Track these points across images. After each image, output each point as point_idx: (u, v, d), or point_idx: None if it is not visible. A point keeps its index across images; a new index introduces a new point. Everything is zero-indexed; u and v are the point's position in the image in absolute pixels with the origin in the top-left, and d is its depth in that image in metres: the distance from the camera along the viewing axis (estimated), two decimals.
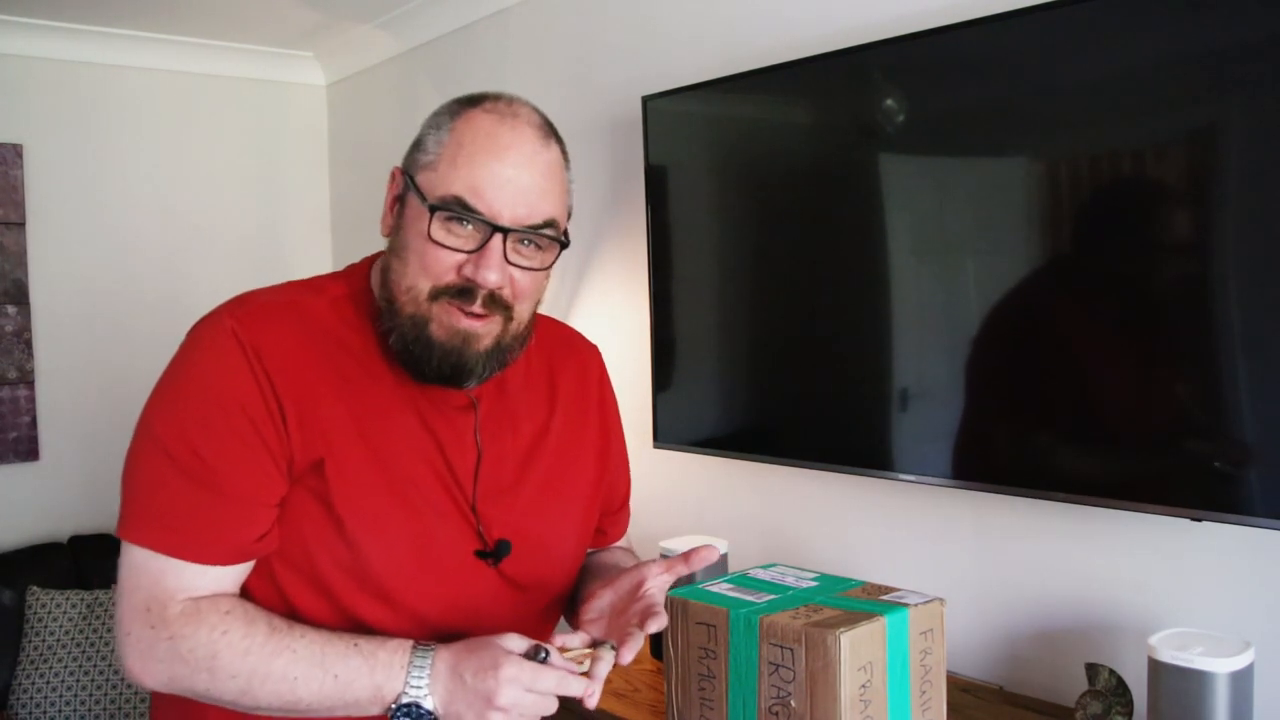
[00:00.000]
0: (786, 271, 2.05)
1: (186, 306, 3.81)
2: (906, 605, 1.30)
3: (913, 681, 1.30)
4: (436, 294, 1.03)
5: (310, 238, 3.84)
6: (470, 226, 1.02)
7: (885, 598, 1.34)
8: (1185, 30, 1.46)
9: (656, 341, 2.32)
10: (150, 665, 0.97)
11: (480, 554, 1.09)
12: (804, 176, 2.01)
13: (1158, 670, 1.41)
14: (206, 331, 1.04)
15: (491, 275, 1.02)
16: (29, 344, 3.23)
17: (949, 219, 1.79)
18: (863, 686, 1.24)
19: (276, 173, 3.76)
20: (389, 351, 1.07)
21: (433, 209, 1.02)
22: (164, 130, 3.50)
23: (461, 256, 1.02)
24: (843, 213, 1.93)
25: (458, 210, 1.02)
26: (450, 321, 1.04)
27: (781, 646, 1.26)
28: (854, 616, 1.26)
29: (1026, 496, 1.70)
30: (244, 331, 1.02)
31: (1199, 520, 1.48)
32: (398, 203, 1.08)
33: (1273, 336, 1.40)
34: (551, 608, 1.21)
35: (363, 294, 1.11)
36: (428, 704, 0.97)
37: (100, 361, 3.37)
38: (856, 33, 1.96)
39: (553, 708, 1.00)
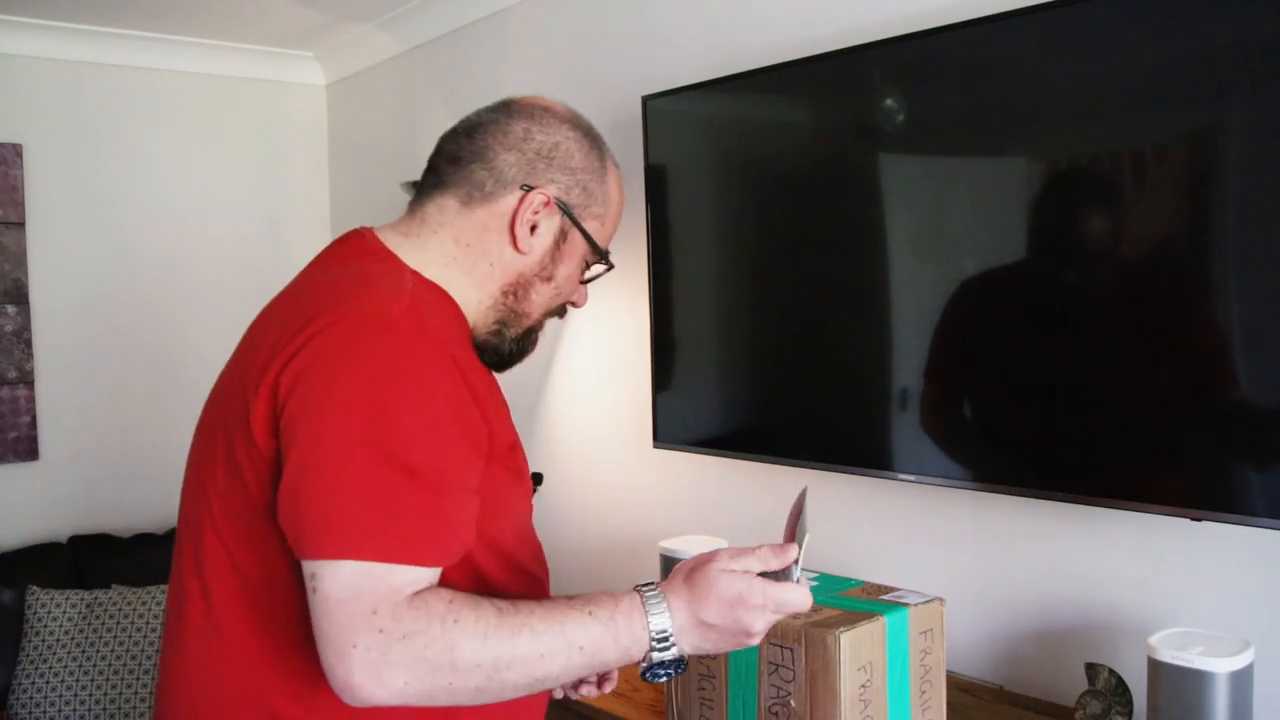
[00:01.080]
0: (786, 271, 2.05)
1: (186, 306, 3.84)
2: (906, 605, 1.30)
3: (912, 681, 1.31)
4: (553, 312, 1.21)
5: (310, 237, 3.83)
6: None
7: (885, 598, 1.34)
8: (1185, 30, 1.46)
9: (656, 341, 2.32)
10: (385, 673, 0.89)
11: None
12: (804, 176, 2.01)
13: (1158, 670, 1.41)
14: (386, 322, 0.98)
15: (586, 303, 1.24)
16: (29, 344, 3.23)
17: (949, 219, 1.79)
18: (863, 686, 1.24)
19: (276, 172, 3.76)
20: (469, 337, 1.13)
21: (608, 262, 1.19)
22: (164, 130, 3.51)
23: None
24: (842, 213, 1.93)
25: (607, 264, 1.20)
26: (537, 338, 1.22)
27: (781, 646, 1.26)
28: (854, 616, 1.26)
29: (1026, 496, 1.70)
30: (424, 320, 1.00)
31: (1199, 520, 1.48)
32: (549, 230, 1.14)
33: (1273, 336, 1.40)
34: None
35: (420, 278, 1.10)
36: (675, 654, 0.97)
37: (100, 361, 3.37)
38: (856, 33, 1.96)
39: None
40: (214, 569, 1.04)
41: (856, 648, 1.23)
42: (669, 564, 2.14)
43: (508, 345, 1.17)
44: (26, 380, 3.23)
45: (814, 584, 1.41)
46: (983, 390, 1.78)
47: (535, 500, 1.31)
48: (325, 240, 4.28)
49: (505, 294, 1.15)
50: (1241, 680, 1.37)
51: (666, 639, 0.96)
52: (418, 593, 0.93)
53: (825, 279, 1.98)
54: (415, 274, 1.09)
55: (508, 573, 1.10)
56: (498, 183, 1.12)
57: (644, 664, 0.98)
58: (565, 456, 2.75)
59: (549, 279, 1.16)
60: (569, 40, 2.72)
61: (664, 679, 0.98)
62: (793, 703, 1.26)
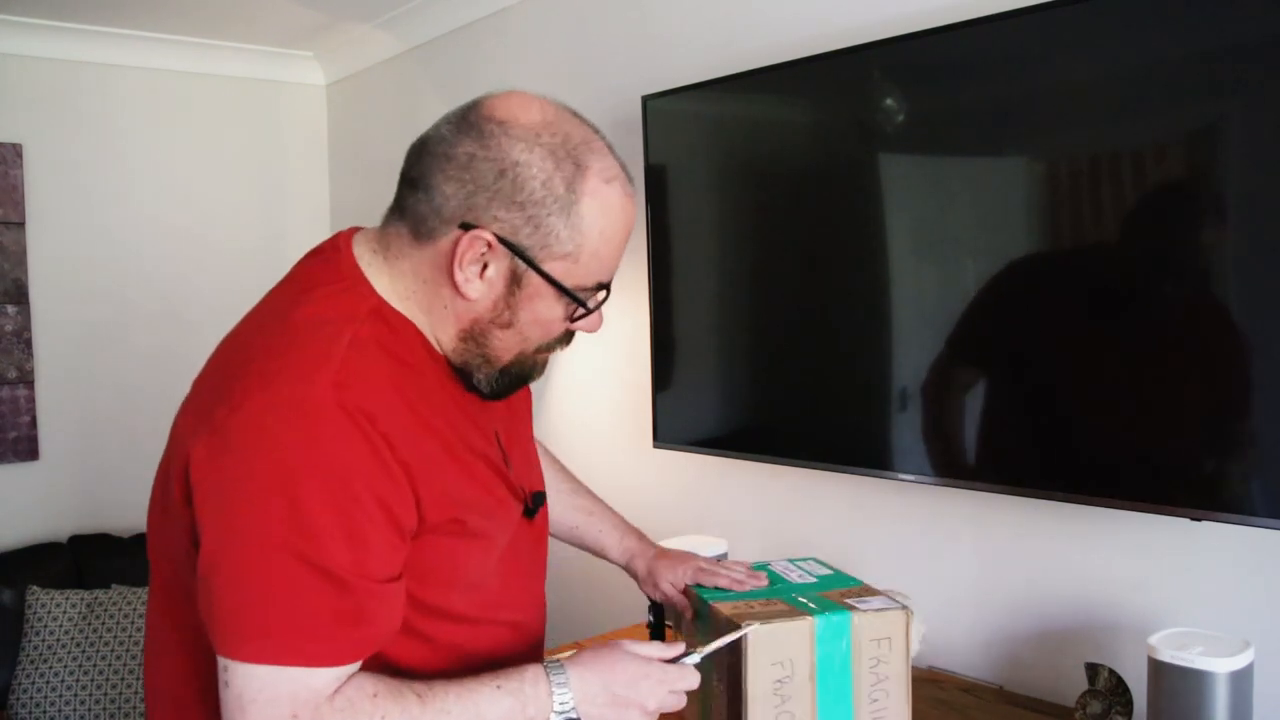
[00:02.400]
0: (786, 271, 2.05)
1: (186, 306, 3.84)
2: (852, 610, 1.30)
3: (858, 688, 1.29)
4: (544, 349, 1.06)
5: (309, 237, 3.82)
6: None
7: (851, 600, 1.34)
8: (1185, 30, 1.46)
9: (656, 341, 2.32)
10: None
11: (524, 514, 1.14)
12: (804, 176, 2.01)
13: (1158, 670, 1.41)
14: (305, 406, 0.90)
15: (601, 325, 1.06)
16: (29, 344, 3.23)
17: (949, 219, 1.79)
18: (778, 682, 1.25)
19: (276, 172, 3.76)
20: (436, 358, 1.04)
21: (584, 306, 1.02)
22: (164, 130, 3.51)
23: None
24: (842, 212, 1.93)
25: (601, 295, 1.03)
26: (544, 359, 1.08)
27: (718, 632, 1.29)
28: (789, 614, 1.28)
29: (1026, 496, 1.70)
30: (349, 397, 0.91)
31: (1199, 520, 1.48)
32: (499, 273, 0.98)
33: (1273, 336, 1.40)
34: (546, 536, 1.27)
35: (382, 304, 1.02)
36: (576, 717, 1.01)
37: (100, 361, 3.37)
38: (856, 33, 1.96)
39: (683, 702, 1.09)
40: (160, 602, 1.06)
41: (767, 643, 1.24)
42: None
43: (485, 385, 1.05)
44: (26, 380, 3.23)
45: (812, 581, 1.42)
46: (982, 390, 1.78)
47: None
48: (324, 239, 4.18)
49: (463, 339, 1.02)
50: (1241, 680, 1.37)
51: (566, 708, 1.01)
52: (339, 690, 0.92)
53: (825, 279, 1.97)
54: (377, 308, 1.00)
55: (467, 633, 1.07)
56: (438, 218, 0.98)
57: None
58: (565, 456, 2.74)
59: (508, 325, 1.01)
60: (569, 40, 2.72)
61: None
62: (714, 682, 1.31)
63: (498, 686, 0.99)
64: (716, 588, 1.38)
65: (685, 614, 1.40)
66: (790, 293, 2.05)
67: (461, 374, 1.05)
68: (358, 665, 0.94)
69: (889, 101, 1.84)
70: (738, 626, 1.22)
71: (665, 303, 2.30)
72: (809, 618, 1.28)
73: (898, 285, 1.86)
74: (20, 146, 3.21)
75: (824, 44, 2.00)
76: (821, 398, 2.00)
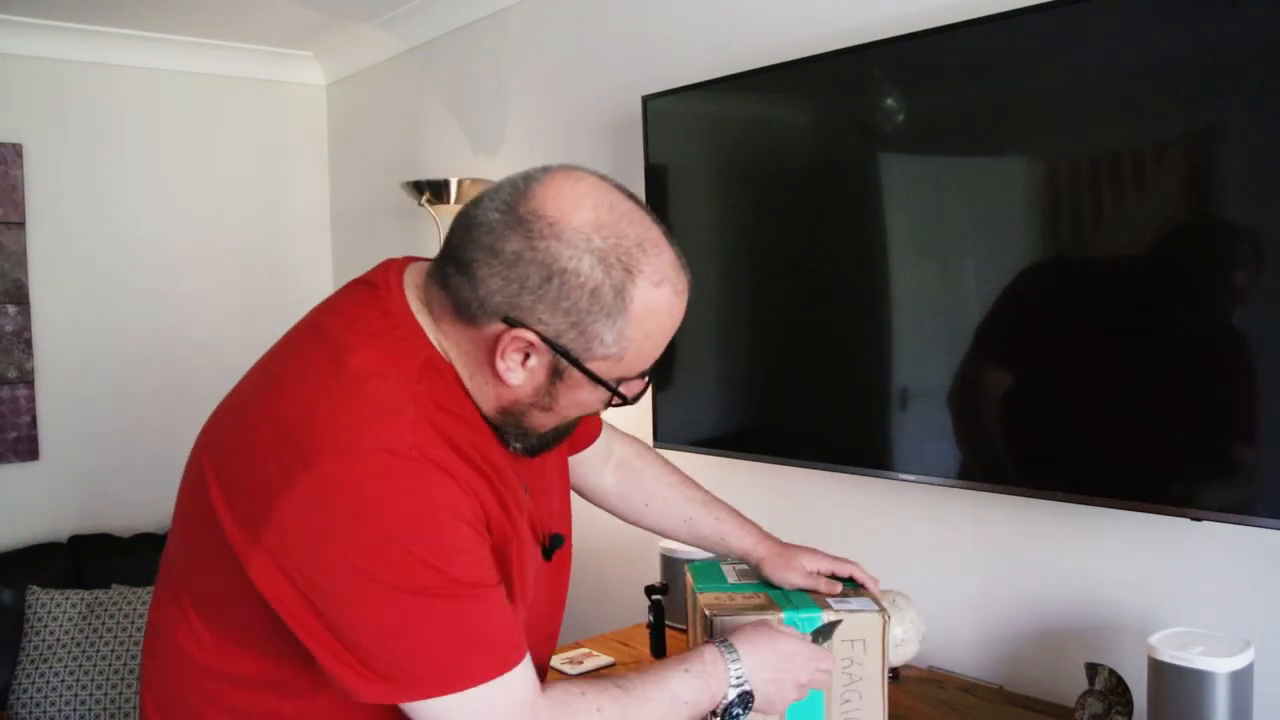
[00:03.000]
0: (786, 271, 2.05)
1: (187, 306, 3.84)
2: (824, 608, 1.30)
3: (830, 688, 1.30)
4: (582, 416, 1.10)
5: (310, 237, 3.84)
6: None
7: (834, 599, 1.34)
8: (1185, 30, 1.46)
9: None
10: None
11: (543, 554, 1.16)
12: (804, 176, 2.01)
13: (1158, 670, 1.41)
14: (392, 459, 0.91)
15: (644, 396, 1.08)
16: (29, 344, 3.23)
17: (949, 219, 1.79)
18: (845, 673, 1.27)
19: (276, 172, 3.76)
20: (483, 426, 1.05)
21: (624, 398, 1.03)
22: (163, 130, 3.51)
23: None
24: (843, 212, 1.93)
25: (643, 379, 1.05)
26: (575, 423, 1.12)
27: (700, 621, 1.32)
28: (763, 608, 1.30)
29: (1026, 496, 1.70)
30: (430, 451, 0.93)
31: (1199, 520, 1.48)
32: (541, 365, 0.99)
33: (1273, 336, 1.40)
34: (567, 574, 1.30)
35: (435, 356, 1.01)
36: (747, 688, 1.12)
37: (100, 361, 3.37)
38: (856, 33, 1.96)
39: (829, 681, 1.24)
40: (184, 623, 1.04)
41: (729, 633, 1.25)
42: (669, 564, 2.14)
43: (523, 450, 1.07)
44: (26, 380, 3.23)
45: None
46: (983, 391, 1.78)
47: None
48: (325, 240, 4.25)
49: (501, 413, 1.03)
50: (1241, 680, 1.37)
51: (741, 680, 1.12)
52: (546, 692, 0.98)
53: (825, 279, 1.97)
54: (431, 359, 1.00)
55: None
56: (481, 308, 0.96)
57: (722, 705, 1.11)
58: None
59: (548, 409, 1.02)
60: (569, 40, 2.72)
61: (733, 713, 1.12)
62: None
63: (685, 670, 1.09)
64: (850, 578, 1.41)
65: (832, 591, 1.39)
66: (790, 292, 2.05)
67: (498, 432, 1.05)
68: (530, 663, 0.98)
69: (889, 101, 1.84)
70: (725, 640, 1.22)
71: None
72: (779, 612, 1.29)
73: (898, 285, 1.86)
74: (20, 146, 3.21)
75: (824, 44, 2.00)
76: (822, 398, 2.00)
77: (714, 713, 1.11)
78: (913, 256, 1.85)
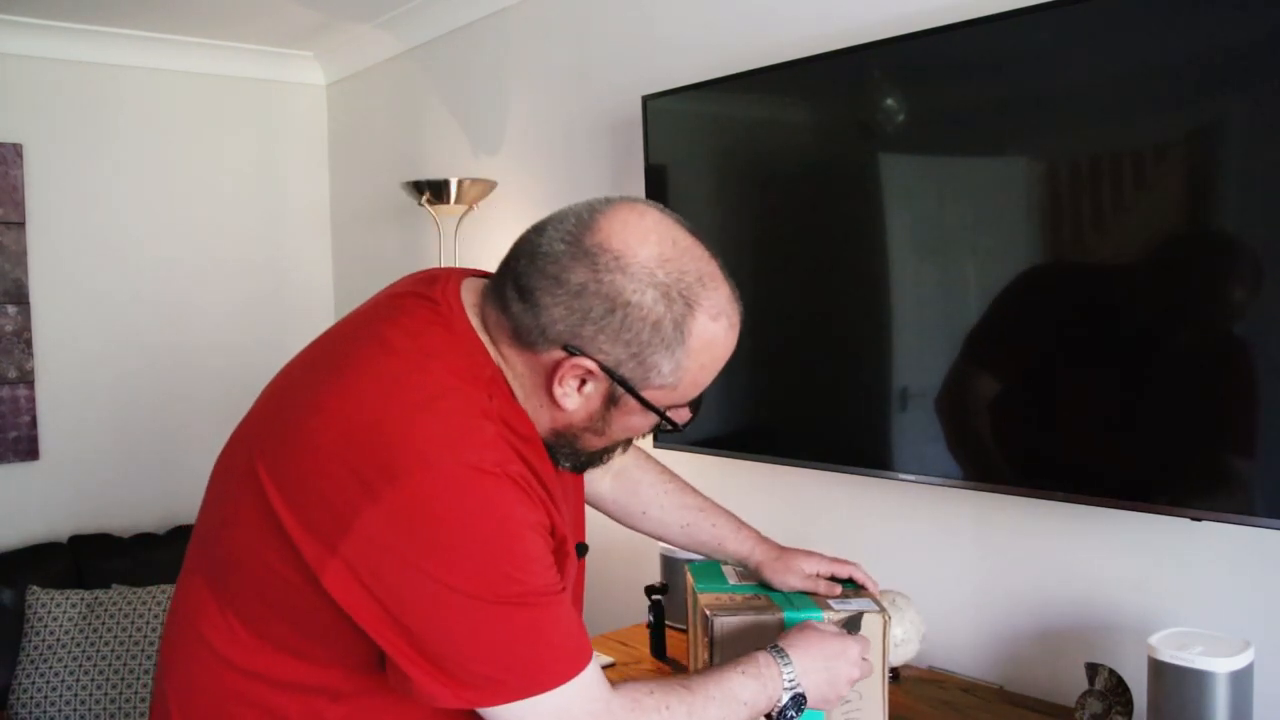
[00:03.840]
0: (786, 271, 2.05)
1: (187, 306, 3.83)
2: (824, 609, 1.31)
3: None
4: (629, 440, 1.14)
5: (310, 237, 3.84)
6: None
7: (835, 600, 1.35)
8: (1185, 30, 1.46)
9: None
10: None
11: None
12: (804, 176, 2.01)
13: (1158, 670, 1.41)
14: (476, 475, 0.93)
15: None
16: (29, 344, 3.23)
17: (949, 218, 1.79)
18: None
19: (276, 172, 3.76)
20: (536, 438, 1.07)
21: (675, 426, 1.07)
22: (164, 130, 3.51)
23: None
24: (842, 212, 1.93)
25: (691, 411, 1.09)
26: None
27: (700, 621, 1.33)
28: (763, 609, 1.32)
29: (1026, 496, 1.70)
30: (507, 468, 0.95)
31: (1199, 520, 1.48)
32: (597, 392, 1.02)
33: (1273, 335, 1.40)
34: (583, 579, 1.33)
35: (497, 373, 1.03)
36: (799, 690, 1.15)
37: (100, 361, 3.37)
38: (856, 33, 1.96)
39: (870, 670, 1.27)
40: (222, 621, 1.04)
41: (734, 636, 1.28)
42: (669, 565, 2.14)
43: (572, 466, 1.12)
44: (26, 380, 3.23)
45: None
46: (983, 391, 1.78)
47: None
48: (325, 240, 4.24)
49: (555, 435, 1.06)
50: (1241, 680, 1.37)
51: (794, 683, 1.15)
52: (616, 691, 1.02)
53: (825, 279, 1.98)
54: (494, 376, 1.01)
55: None
56: (542, 335, 0.98)
57: (777, 708, 1.14)
58: None
59: (600, 434, 1.06)
60: (569, 40, 2.72)
61: (788, 715, 1.15)
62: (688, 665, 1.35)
63: (742, 672, 1.12)
64: (850, 579, 1.42)
65: (832, 593, 1.40)
66: (790, 293, 2.05)
67: (549, 449, 1.08)
68: (597, 661, 1.02)
69: (889, 101, 1.85)
70: (775, 645, 1.22)
71: None
72: (779, 613, 1.30)
73: (898, 285, 1.86)
74: (20, 146, 3.21)
75: (824, 44, 2.00)
76: (822, 398, 2.00)
77: (768, 716, 1.14)
78: (913, 256, 1.85)
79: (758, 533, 1.48)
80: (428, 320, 1.03)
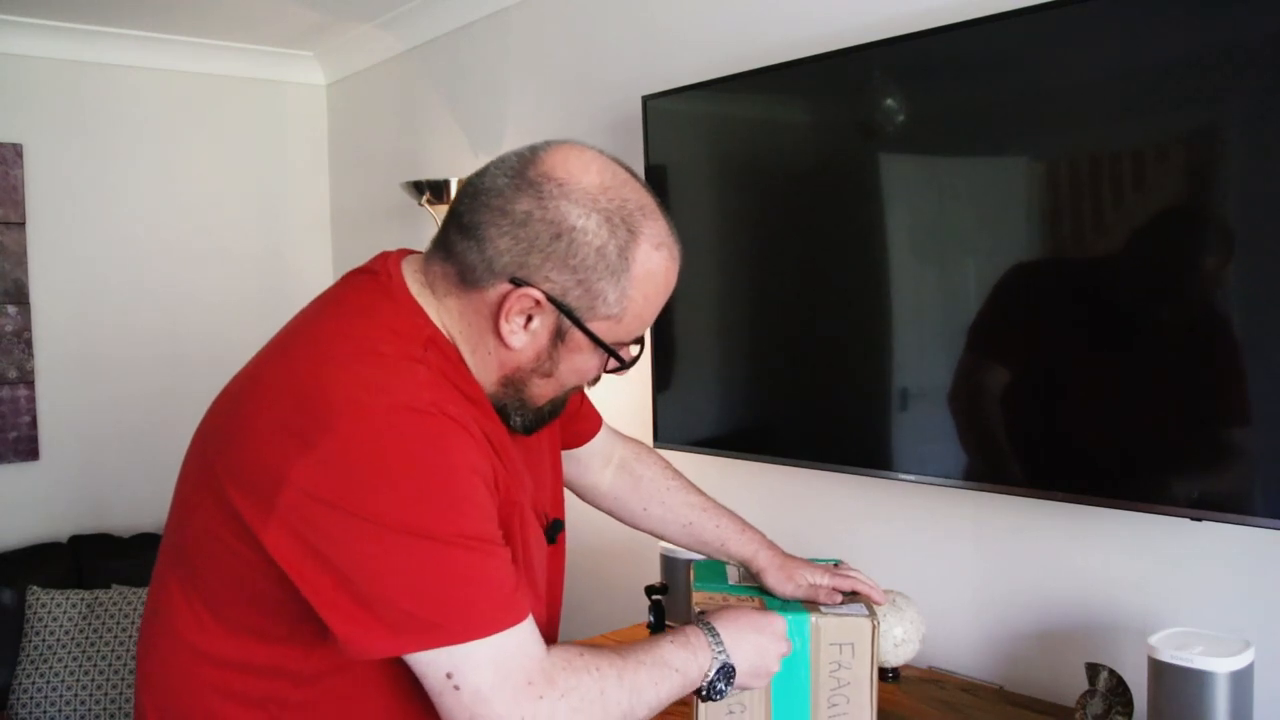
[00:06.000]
0: (786, 271, 2.05)
1: (186, 306, 3.83)
2: (812, 611, 1.29)
3: (816, 691, 1.29)
4: (574, 389, 1.12)
5: (310, 237, 3.84)
6: None
7: (825, 606, 1.33)
8: (1185, 30, 1.46)
9: (657, 341, 2.32)
10: None
11: (548, 540, 1.20)
12: (804, 176, 2.01)
13: (1158, 670, 1.41)
14: (411, 415, 0.93)
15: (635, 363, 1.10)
16: (29, 344, 3.23)
17: (949, 219, 1.79)
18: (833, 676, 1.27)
19: (276, 173, 3.76)
20: (485, 400, 1.08)
21: (622, 361, 1.06)
22: (164, 130, 3.51)
23: None
24: (843, 212, 1.93)
25: (637, 346, 1.08)
26: (568, 399, 1.14)
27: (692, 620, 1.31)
28: (755, 610, 1.29)
29: (1026, 496, 1.70)
30: (447, 408, 0.95)
31: (1199, 520, 1.48)
32: (545, 327, 1.02)
33: (1273, 335, 1.40)
34: (563, 559, 1.31)
35: (438, 334, 1.04)
36: (726, 660, 1.13)
37: (100, 361, 3.37)
38: (856, 33, 1.96)
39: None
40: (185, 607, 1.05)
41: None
42: (669, 564, 2.14)
43: (520, 424, 1.10)
44: (26, 380, 3.23)
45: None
46: (983, 391, 1.78)
47: None
48: (325, 240, 4.25)
49: (503, 384, 1.06)
50: (1241, 680, 1.37)
51: (722, 651, 1.12)
52: (549, 651, 0.98)
53: (825, 279, 1.98)
54: (433, 337, 1.02)
55: None
56: (488, 270, 0.99)
57: (707, 678, 1.11)
58: None
59: (548, 375, 1.05)
60: (569, 40, 2.72)
61: (719, 695, 1.13)
62: None
63: (672, 641, 1.11)
64: (854, 592, 1.37)
65: (832, 601, 1.37)
66: (790, 292, 2.05)
67: (504, 411, 1.08)
68: (533, 621, 0.99)
69: (889, 101, 1.84)
70: (701, 615, 1.23)
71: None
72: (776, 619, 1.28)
73: (898, 285, 1.86)
74: (20, 146, 3.21)
75: (824, 44, 2.00)
76: (821, 398, 2.00)
77: (699, 691, 1.12)
78: (912, 256, 1.85)
79: (763, 536, 1.45)
80: (367, 289, 1.05)
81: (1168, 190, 1.51)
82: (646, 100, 2.29)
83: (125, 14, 3.17)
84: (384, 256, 1.10)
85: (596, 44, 2.63)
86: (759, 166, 2.11)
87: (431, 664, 0.93)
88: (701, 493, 1.48)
